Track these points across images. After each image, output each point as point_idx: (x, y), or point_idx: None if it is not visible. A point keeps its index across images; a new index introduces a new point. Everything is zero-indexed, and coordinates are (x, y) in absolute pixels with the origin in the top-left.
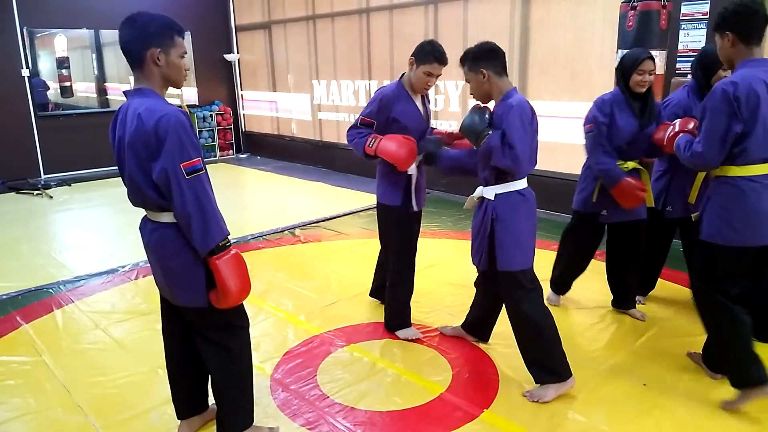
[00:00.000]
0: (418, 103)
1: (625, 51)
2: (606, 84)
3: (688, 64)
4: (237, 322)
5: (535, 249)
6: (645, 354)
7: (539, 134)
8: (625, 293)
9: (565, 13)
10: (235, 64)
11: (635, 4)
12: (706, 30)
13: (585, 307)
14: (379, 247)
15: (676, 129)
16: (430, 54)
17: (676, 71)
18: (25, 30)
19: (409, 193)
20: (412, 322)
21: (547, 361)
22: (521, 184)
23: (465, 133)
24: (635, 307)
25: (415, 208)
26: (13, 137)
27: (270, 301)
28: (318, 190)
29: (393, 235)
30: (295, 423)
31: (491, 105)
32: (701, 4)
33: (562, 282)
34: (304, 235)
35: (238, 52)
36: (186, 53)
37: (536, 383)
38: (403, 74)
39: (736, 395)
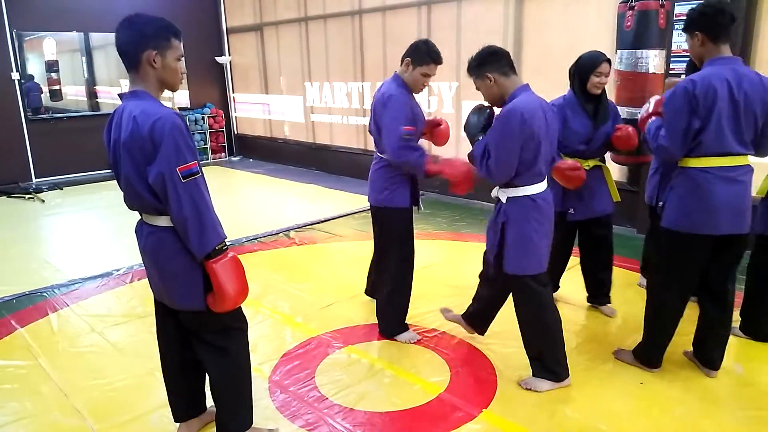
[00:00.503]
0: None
1: (585, 54)
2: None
3: (682, 65)
4: (236, 325)
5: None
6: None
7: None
8: (598, 288)
9: (559, 13)
10: (226, 67)
11: (633, 4)
12: None
13: (580, 305)
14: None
15: (650, 110)
16: (426, 55)
17: (670, 71)
18: (14, 33)
19: (417, 194)
20: (408, 323)
21: (548, 360)
22: (533, 189)
23: (468, 131)
24: (609, 303)
25: (422, 208)
26: (3, 141)
27: (267, 303)
28: (311, 193)
29: (399, 237)
30: (294, 424)
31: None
32: (695, 4)
33: (553, 282)
34: (299, 237)
35: (229, 55)
36: (182, 56)
37: (533, 375)
38: (395, 73)
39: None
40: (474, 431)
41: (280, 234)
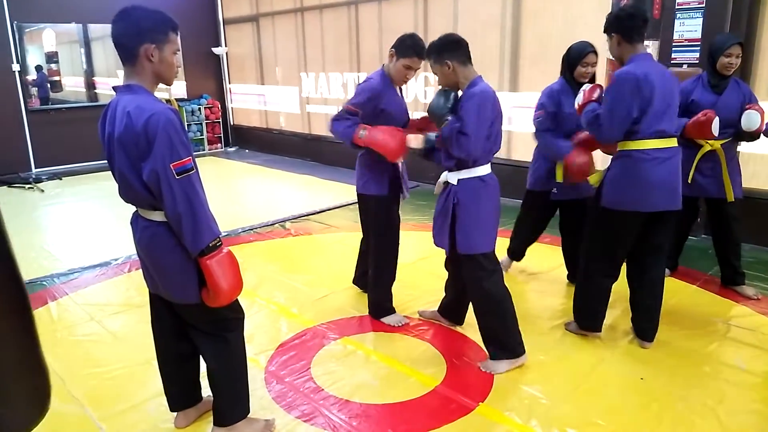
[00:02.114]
0: (399, 94)
1: (574, 44)
2: (598, 75)
3: (685, 54)
4: (233, 315)
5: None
6: (640, 348)
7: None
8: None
9: (557, 3)
10: (223, 58)
11: None
12: (702, 20)
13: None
14: None
15: (584, 98)
16: (410, 48)
17: (672, 61)
18: (14, 25)
19: (398, 182)
20: (404, 314)
21: (504, 338)
22: (483, 170)
23: (430, 115)
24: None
25: (407, 195)
26: (3, 131)
27: (262, 293)
28: (307, 183)
29: (379, 225)
30: (290, 415)
31: None
32: None
33: (518, 251)
34: (295, 228)
35: (226, 46)
36: (179, 50)
37: (491, 358)
38: (383, 65)
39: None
40: (470, 424)
41: (276, 225)
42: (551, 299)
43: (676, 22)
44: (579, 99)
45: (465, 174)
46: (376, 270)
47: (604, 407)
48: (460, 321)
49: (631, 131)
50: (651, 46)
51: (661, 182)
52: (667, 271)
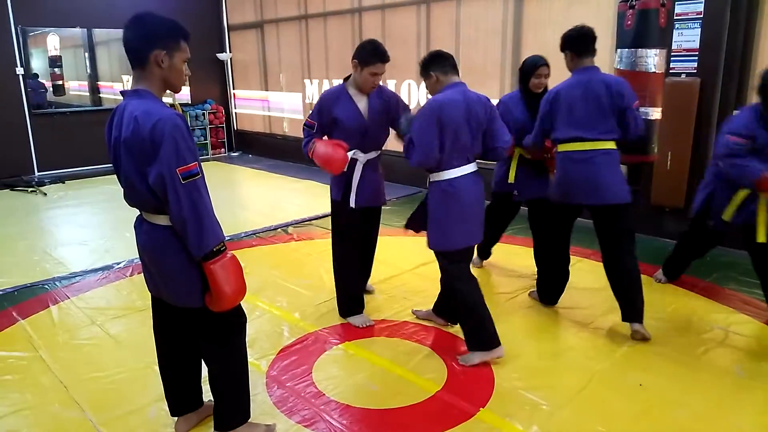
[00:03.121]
0: (361, 103)
1: (528, 57)
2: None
3: (683, 64)
4: (235, 320)
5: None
6: (640, 355)
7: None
8: None
9: (558, 12)
10: (227, 63)
11: (634, 2)
12: (700, 30)
13: (580, 307)
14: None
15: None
16: (371, 55)
17: (670, 71)
18: (19, 29)
19: (348, 190)
20: (405, 320)
21: (475, 331)
22: (451, 173)
23: (401, 127)
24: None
25: (352, 204)
26: (7, 135)
27: (264, 298)
28: (310, 189)
29: (333, 227)
30: (291, 420)
31: None
32: (695, 3)
33: (485, 250)
34: (297, 233)
35: (230, 51)
36: (189, 59)
37: (468, 349)
38: (349, 76)
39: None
40: (471, 430)
41: (279, 229)
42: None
43: (675, 32)
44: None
45: (434, 177)
46: (336, 273)
47: (604, 413)
48: (453, 320)
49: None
50: (658, 55)
51: (579, 179)
52: (663, 278)
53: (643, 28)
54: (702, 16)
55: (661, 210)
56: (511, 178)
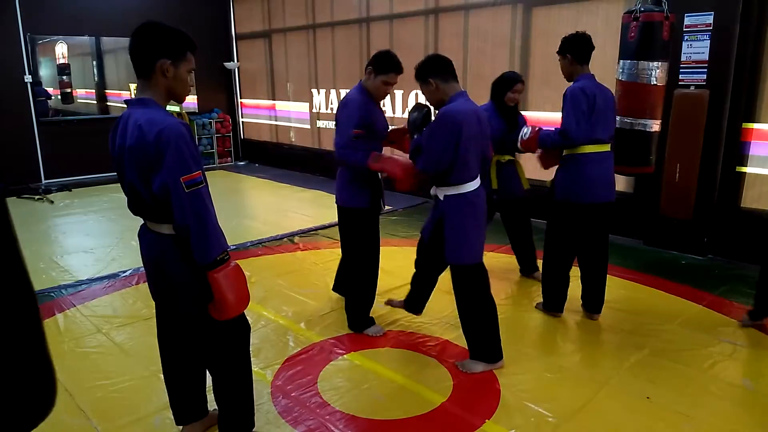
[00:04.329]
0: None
1: (506, 73)
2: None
3: (692, 76)
4: (238, 328)
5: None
6: (647, 367)
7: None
8: (526, 259)
9: (567, 23)
10: (234, 72)
11: (638, 15)
12: (709, 42)
13: (587, 319)
14: None
15: (530, 133)
16: (388, 64)
17: (680, 83)
18: (28, 37)
19: (378, 195)
20: (411, 331)
21: (485, 343)
22: (466, 187)
23: (408, 128)
24: (538, 270)
25: (386, 208)
26: (14, 142)
27: (270, 307)
28: (316, 198)
29: (359, 238)
30: (296, 430)
31: None
32: (705, 15)
33: None
34: (303, 242)
35: (237, 61)
36: (194, 69)
37: (470, 357)
38: (360, 82)
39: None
40: None
41: (285, 239)
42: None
43: (684, 44)
44: (526, 133)
45: (449, 191)
46: (357, 286)
47: (611, 426)
48: (419, 311)
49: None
50: (660, 68)
51: (597, 178)
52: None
53: (646, 40)
54: (711, 28)
55: (669, 222)
56: (494, 184)
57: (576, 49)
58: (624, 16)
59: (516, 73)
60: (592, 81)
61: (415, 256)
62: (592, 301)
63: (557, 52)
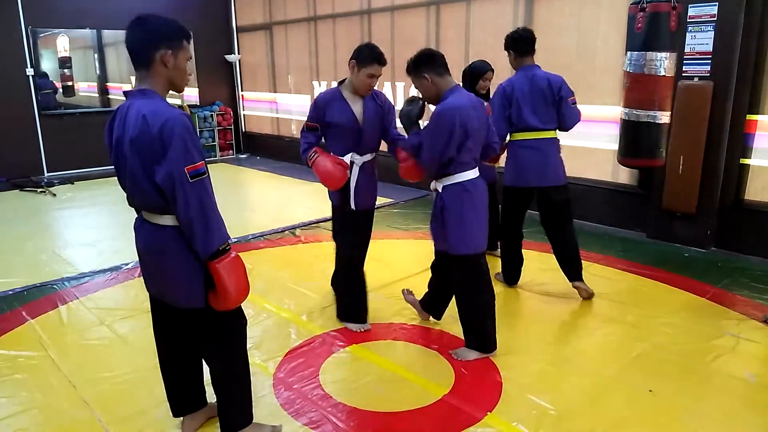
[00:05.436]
0: (356, 106)
1: (476, 62)
2: (611, 86)
3: (696, 67)
4: (236, 320)
5: (486, 235)
6: (649, 360)
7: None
8: (494, 237)
9: (570, 14)
10: (235, 65)
11: (644, 5)
12: (713, 33)
13: (589, 312)
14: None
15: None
16: (369, 57)
17: (683, 74)
18: (29, 30)
19: (347, 193)
20: (413, 323)
21: (481, 332)
22: (464, 176)
23: (401, 121)
24: (496, 249)
25: (353, 207)
26: (17, 135)
27: (272, 300)
28: (317, 191)
29: (339, 232)
30: (298, 422)
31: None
32: (709, 6)
33: None
34: (305, 235)
35: (239, 53)
36: (191, 58)
37: (465, 346)
38: (344, 80)
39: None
40: None
41: (286, 232)
42: (559, 309)
43: (688, 35)
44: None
45: (447, 181)
46: (340, 279)
47: (613, 419)
48: (438, 316)
49: (513, 125)
50: (668, 59)
51: (532, 163)
52: None
53: (653, 31)
54: (716, 19)
55: (672, 215)
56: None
57: (515, 45)
58: (630, 7)
59: (485, 61)
60: (530, 71)
61: (416, 249)
62: (569, 271)
63: (504, 49)
